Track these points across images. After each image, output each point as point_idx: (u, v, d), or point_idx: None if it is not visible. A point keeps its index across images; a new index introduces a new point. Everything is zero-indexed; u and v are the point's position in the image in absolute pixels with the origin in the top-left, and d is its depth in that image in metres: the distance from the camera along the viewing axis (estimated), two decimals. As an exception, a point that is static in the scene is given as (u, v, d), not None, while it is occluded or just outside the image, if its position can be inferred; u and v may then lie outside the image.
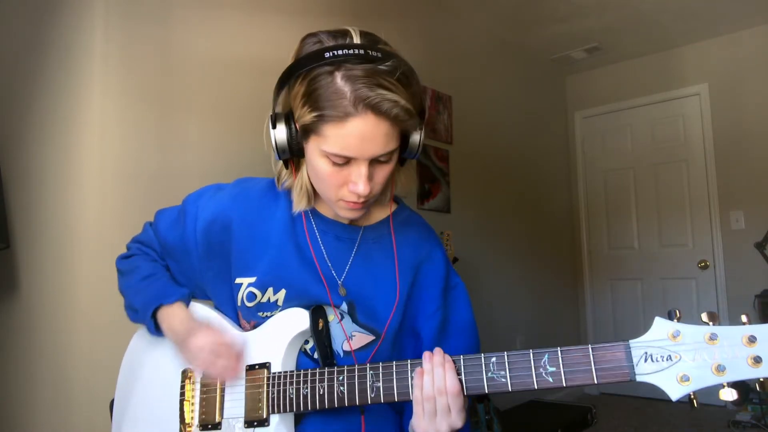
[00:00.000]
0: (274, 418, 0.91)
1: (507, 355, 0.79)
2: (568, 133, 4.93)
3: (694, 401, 0.71)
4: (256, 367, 0.94)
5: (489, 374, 0.79)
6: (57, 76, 2.04)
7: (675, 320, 0.73)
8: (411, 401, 0.83)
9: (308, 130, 0.84)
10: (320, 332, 0.94)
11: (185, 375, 1.02)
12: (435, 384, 0.80)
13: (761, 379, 0.67)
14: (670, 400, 0.71)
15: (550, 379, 0.76)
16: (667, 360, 0.71)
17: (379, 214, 1.03)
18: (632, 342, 0.73)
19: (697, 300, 4.16)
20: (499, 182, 3.99)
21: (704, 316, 0.71)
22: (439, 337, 1.00)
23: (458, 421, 0.80)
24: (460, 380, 0.80)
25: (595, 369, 0.74)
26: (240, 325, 1.02)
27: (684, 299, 4.20)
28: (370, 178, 0.85)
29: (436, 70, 3.49)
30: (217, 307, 1.05)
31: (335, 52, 0.79)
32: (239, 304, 0.99)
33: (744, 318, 0.69)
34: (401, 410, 1.01)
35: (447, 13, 3.65)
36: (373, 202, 0.95)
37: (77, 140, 1.96)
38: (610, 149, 4.71)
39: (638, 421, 3.69)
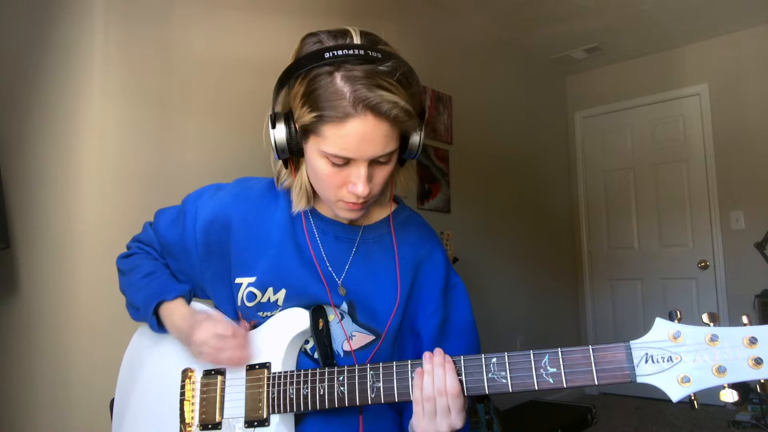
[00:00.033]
0: (275, 418, 0.91)
1: (507, 356, 0.79)
2: (568, 133, 4.93)
3: (695, 402, 0.71)
4: (257, 367, 0.94)
5: (489, 375, 0.79)
6: (57, 76, 2.04)
7: (676, 321, 0.72)
8: (411, 401, 0.83)
9: (307, 131, 0.84)
10: (320, 332, 0.94)
11: (185, 375, 1.02)
12: (435, 384, 0.80)
13: (762, 381, 0.67)
14: (670, 400, 0.71)
15: (551, 380, 0.76)
16: (667, 361, 0.71)
17: (379, 214, 1.03)
18: (633, 343, 0.73)
19: (697, 300, 4.16)
20: (499, 182, 3.99)
21: (705, 317, 0.71)
22: (439, 336, 1.00)
23: (458, 421, 0.80)
24: (461, 381, 0.80)
25: (596, 370, 0.74)
26: (240, 326, 1.02)
27: (684, 299, 4.20)
28: (369, 178, 0.85)
29: (436, 70, 3.49)
30: (217, 307, 1.05)
31: (335, 53, 0.79)
32: (239, 304, 0.99)
33: (745, 319, 0.69)
34: (401, 410, 1.01)
35: (447, 13, 3.65)
36: (373, 202, 0.95)
37: (77, 140, 1.96)
38: (610, 149, 4.71)
39: (638, 421, 3.69)
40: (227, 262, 1.01)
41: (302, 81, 0.82)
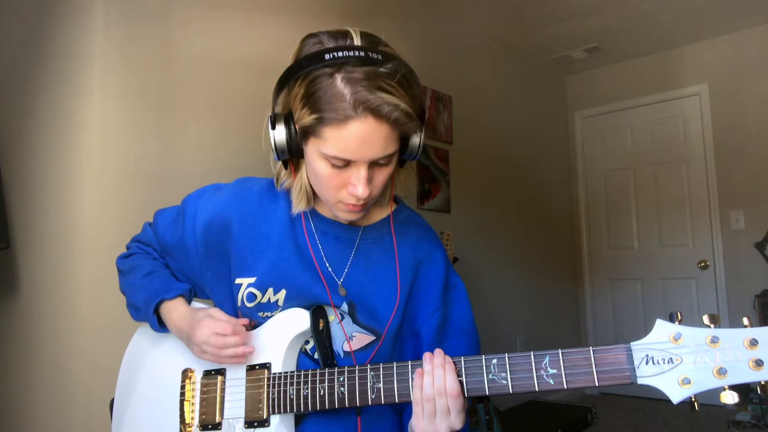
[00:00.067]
0: (275, 419, 0.91)
1: (508, 357, 0.79)
2: (568, 133, 4.93)
3: (695, 404, 0.71)
4: (257, 367, 0.94)
5: (490, 376, 0.79)
6: (57, 76, 2.04)
7: (676, 323, 0.72)
8: (411, 402, 0.83)
9: (308, 132, 0.84)
10: (321, 332, 0.94)
11: (185, 375, 1.02)
12: (435, 385, 0.80)
13: (762, 383, 0.67)
14: (670, 401, 0.71)
15: (551, 381, 0.76)
16: (668, 363, 0.71)
17: (379, 214, 1.03)
18: (633, 344, 0.73)
19: (697, 300, 4.16)
20: (499, 182, 3.99)
21: (705, 319, 0.71)
22: (439, 337, 1.00)
23: (457, 422, 0.81)
24: (461, 382, 0.80)
25: (596, 371, 0.74)
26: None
27: (684, 299, 4.20)
28: (369, 180, 0.85)
29: (436, 70, 3.48)
30: (217, 307, 1.05)
31: (335, 54, 0.79)
32: (239, 304, 0.99)
33: (745, 321, 0.69)
34: (401, 410, 1.01)
35: (447, 13, 3.65)
36: (373, 203, 0.95)
37: (77, 140, 1.95)
38: (610, 149, 4.71)
39: (638, 421, 3.70)
40: (227, 262, 1.01)
41: (302, 82, 0.82)
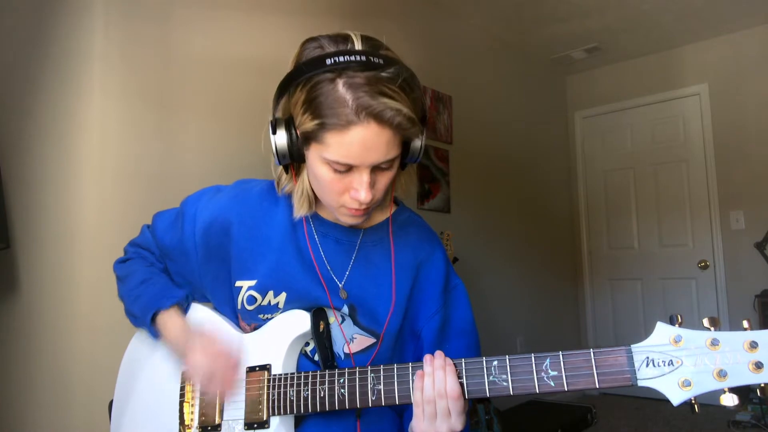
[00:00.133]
0: (274, 420, 0.91)
1: (509, 359, 0.79)
2: (568, 133, 4.92)
3: (695, 406, 0.71)
4: (257, 369, 0.94)
5: (491, 378, 0.79)
6: (57, 76, 2.04)
7: (677, 325, 0.72)
8: (412, 403, 0.83)
9: (309, 137, 0.83)
10: (321, 334, 0.94)
11: (185, 376, 1.01)
12: (435, 387, 0.80)
13: (762, 385, 0.67)
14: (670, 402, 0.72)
15: (552, 383, 0.76)
16: (668, 365, 0.71)
17: (379, 217, 1.03)
18: (634, 347, 0.73)
19: (697, 300, 4.16)
20: (499, 182, 3.99)
21: (706, 321, 0.71)
22: (440, 338, 1.00)
23: (458, 424, 0.80)
24: (461, 383, 0.80)
25: (597, 373, 0.74)
26: (240, 327, 1.02)
27: (684, 299, 4.20)
28: (371, 185, 0.85)
29: (436, 70, 3.48)
30: (217, 309, 1.05)
31: (336, 59, 0.78)
32: (239, 307, 0.99)
33: (745, 323, 0.69)
34: (401, 412, 1.01)
35: (447, 13, 3.65)
36: (375, 207, 0.95)
37: (77, 140, 1.95)
38: (610, 149, 4.71)
39: (638, 421, 3.70)
40: (227, 264, 1.00)
41: (303, 88, 0.82)
